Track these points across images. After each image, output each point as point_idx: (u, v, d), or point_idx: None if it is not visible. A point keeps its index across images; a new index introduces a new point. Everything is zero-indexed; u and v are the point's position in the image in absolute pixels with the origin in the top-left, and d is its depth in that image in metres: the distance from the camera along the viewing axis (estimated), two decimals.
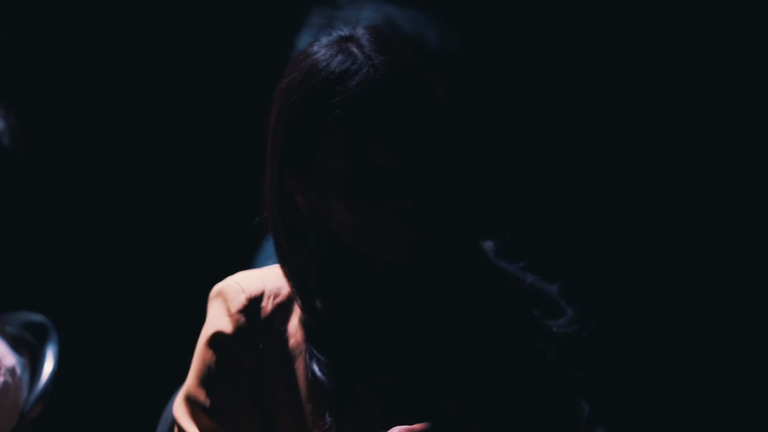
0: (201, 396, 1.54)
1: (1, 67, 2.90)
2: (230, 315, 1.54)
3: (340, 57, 1.48)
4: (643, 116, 2.87)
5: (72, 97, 2.99)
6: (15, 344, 2.09)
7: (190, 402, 1.54)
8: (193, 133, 3.01)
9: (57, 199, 3.00)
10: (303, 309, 1.53)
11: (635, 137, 2.87)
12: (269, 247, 2.23)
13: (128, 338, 2.99)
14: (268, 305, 1.55)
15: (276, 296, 1.56)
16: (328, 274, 1.54)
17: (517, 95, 2.87)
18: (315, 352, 1.50)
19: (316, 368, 1.50)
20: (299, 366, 1.52)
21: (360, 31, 1.51)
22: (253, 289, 1.55)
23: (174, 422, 1.57)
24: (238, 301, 1.55)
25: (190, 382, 1.56)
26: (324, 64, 1.48)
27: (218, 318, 1.55)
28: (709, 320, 2.83)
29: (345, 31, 1.52)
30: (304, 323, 1.53)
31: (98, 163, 3.02)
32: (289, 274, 1.55)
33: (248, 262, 2.24)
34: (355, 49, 1.48)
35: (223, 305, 1.55)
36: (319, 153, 1.48)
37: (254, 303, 1.55)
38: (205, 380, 1.54)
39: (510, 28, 2.87)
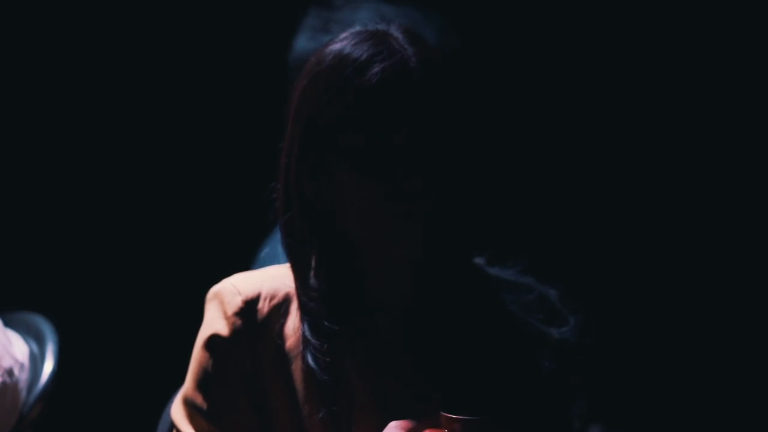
0: (198, 399, 1.54)
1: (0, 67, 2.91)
2: (226, 317, 1.54)
3: (370, 43, 1.51)
4: (642, 118, 2.87)
5: (74, 96, 3.00)
6: (14, 344, 2.09)
7: (188, 405, 1.55)
8: (191, 134, 3.01)
9: (57, 199, 3.00)
10: (300, 290, 1.54)
11: (634, 139, 2.87)
12: (267, 249, 2.23)
13: (127, 339, 2.99)
14: (264, 307, 1.55)
15: (272, 298, 1.56)
16: (331, 260, 1.55)
17: (515, 95, 2.87)
18: (310, 338, 1.51)
19: (310, 358, 1.50)
20: (296, 367, 1.52)
21: (392, 26, 1.55)
22: (250, 291, 1.55)
23: (172, 425, 1.57)
24: (234, 303, 1.55)
25: (188, 385, 1.56)
26: (353, 48, 1.51)
27: (215, 320, 1.55)
28: (708, 322, 2.83)
29: (378, 26, 1.56)
30: (301, 307, 1.53)
31: (98, 164, 3.02)
32: (292, 253, 1.55)
33: (246, 263, 2.24)
34: (386, 38, 1.52)
35: (220, 308, 1.55)
36: (339, 131, 1.49)
37: (250, 305, 1.55)
38: (202, 383, 1.54)
39: (508, 27, 2.87)
